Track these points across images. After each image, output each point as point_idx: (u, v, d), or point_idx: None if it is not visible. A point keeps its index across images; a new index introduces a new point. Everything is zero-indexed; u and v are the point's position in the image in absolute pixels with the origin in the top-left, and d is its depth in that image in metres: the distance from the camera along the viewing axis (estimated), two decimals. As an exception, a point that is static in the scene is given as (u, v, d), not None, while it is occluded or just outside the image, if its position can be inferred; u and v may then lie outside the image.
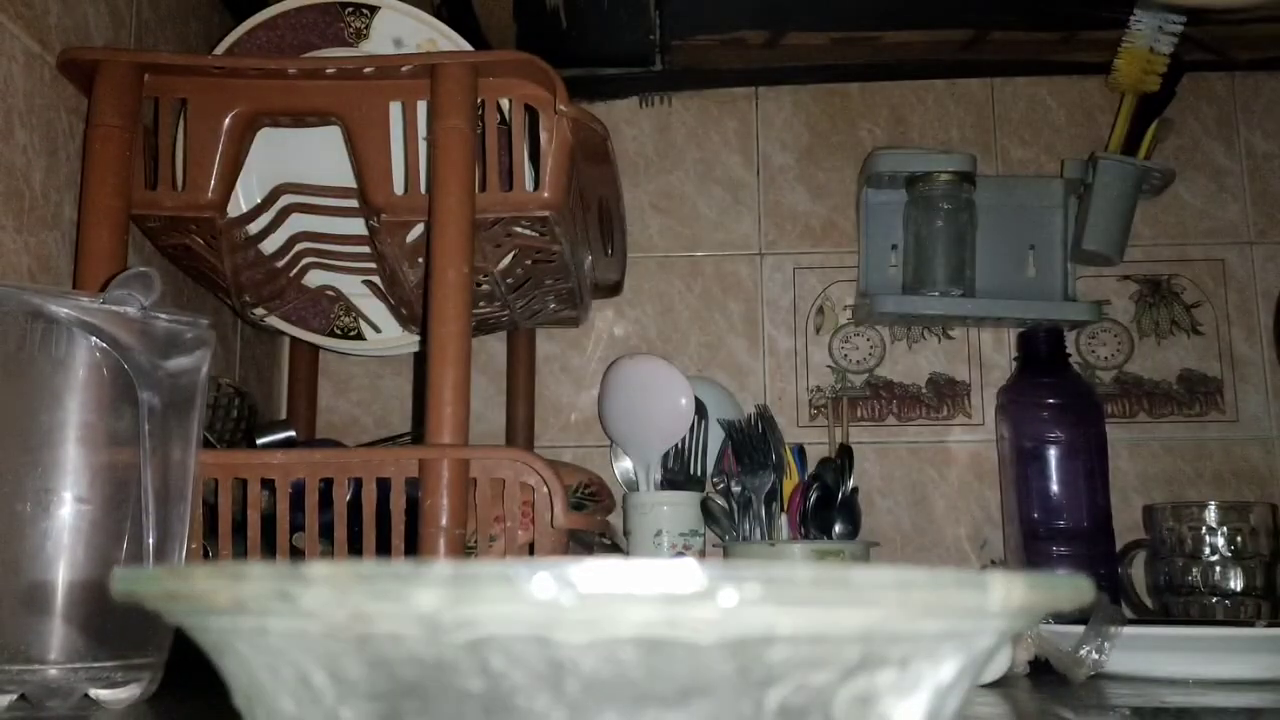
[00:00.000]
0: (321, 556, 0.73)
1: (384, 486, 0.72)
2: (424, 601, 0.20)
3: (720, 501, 1.10)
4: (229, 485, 0.72)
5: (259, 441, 0.91)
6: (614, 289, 1.21)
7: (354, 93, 0.80)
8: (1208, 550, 1.02)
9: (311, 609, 0.21)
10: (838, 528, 1.07)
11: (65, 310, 0.54)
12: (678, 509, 1.08)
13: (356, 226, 0.91)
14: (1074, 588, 0.24)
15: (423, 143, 0.80)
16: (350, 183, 0.85)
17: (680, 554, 1.06)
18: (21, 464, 0.53)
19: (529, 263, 0.92)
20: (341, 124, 0.81)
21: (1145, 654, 0.71)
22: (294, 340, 1.14)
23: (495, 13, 1.11)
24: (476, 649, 0.20)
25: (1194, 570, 1.02)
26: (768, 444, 1.09)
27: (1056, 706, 0.59)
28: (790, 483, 1.10)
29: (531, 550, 0.74)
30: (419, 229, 0.83)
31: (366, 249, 0.91)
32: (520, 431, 1.19)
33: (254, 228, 0.90)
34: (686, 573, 0.20)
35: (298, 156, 0.91)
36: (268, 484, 0.74)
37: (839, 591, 0.20)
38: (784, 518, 1.09)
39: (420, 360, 1.16)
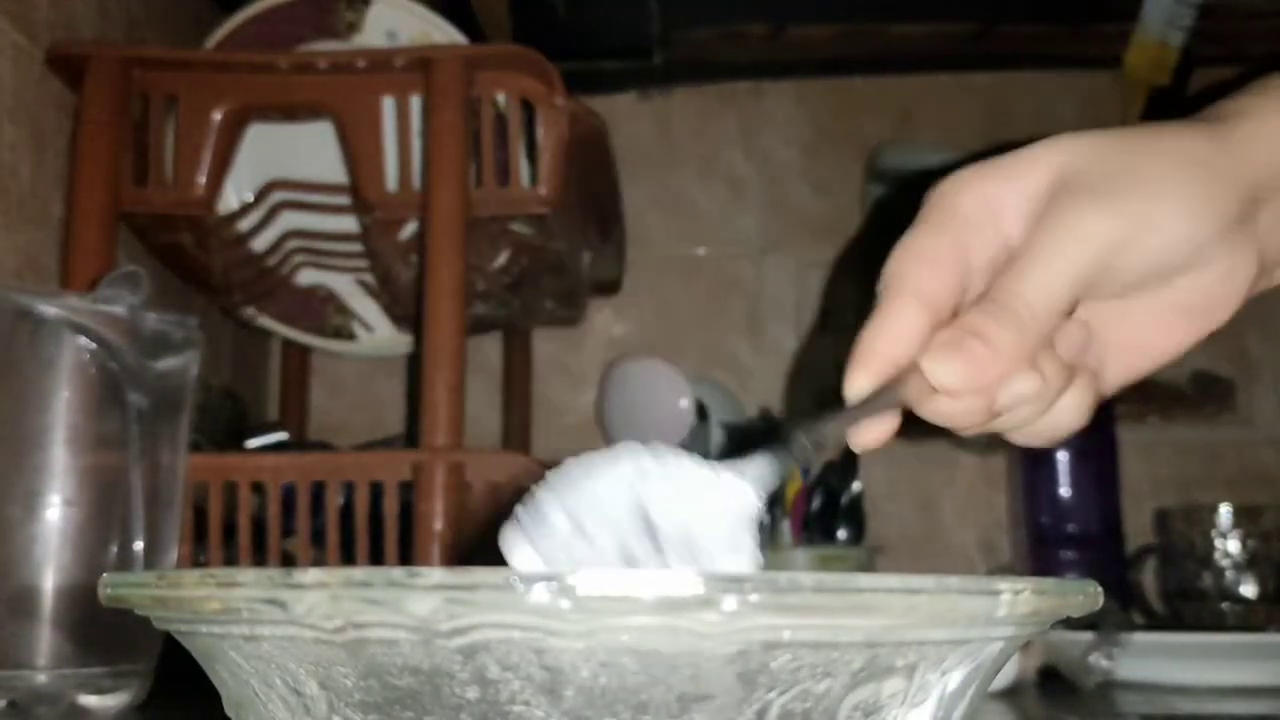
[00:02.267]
0: (314, 562, 0.73)
1: (377, 490, 0.72)
2: (419, 608, 0.20)
3: (722, 505, 1.09)
4: (219, 489, 0.72)
5: (249, 444, 0.91)
6: (612, 287, 1.20)
7: (346, 87, 0.80)
8: (1220, 555, 1.01)
9: (304, 616, 0.21)
10: (842, 533, 1.07)
11: (53, 310, 0.54)
12: (678, 513, 1.06)
13: (349, 224, 0.91)
14: (1083, 593, 0.24)
15: (417, 138, 0.80)
16: (343, 179, 0.85)
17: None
18: (8, 466, 0.53)
19: (526, 261, 0.92)
20: (334, 119, 0.81)
21: (1156, 661, 0.71)
22: (285, 341, 1.13)
23: (491, 4, 1.10)
24: (472, 656, 0.21)
25: (1206, 575, 1.02)
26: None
27: (1065, 715, 0.60)
28: (793, 487, 1.09)
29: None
30: (412, 226, 0.83)
31: (359, 247, 0.91)
32: (517, 434, 1.18)
33: (244, 225, 0.90)
34: (686, 579, 0.20)
35: (289, 152, 0.91)
36: (259, 488, 0.73)
37: (843, 598, 0.21)
38: (787, 522, 1.08)
39: (414, 361, 1.15)
